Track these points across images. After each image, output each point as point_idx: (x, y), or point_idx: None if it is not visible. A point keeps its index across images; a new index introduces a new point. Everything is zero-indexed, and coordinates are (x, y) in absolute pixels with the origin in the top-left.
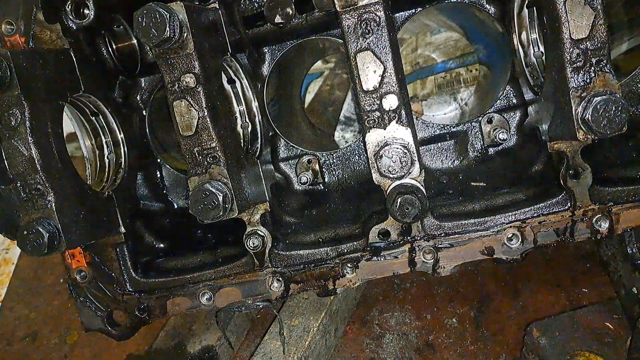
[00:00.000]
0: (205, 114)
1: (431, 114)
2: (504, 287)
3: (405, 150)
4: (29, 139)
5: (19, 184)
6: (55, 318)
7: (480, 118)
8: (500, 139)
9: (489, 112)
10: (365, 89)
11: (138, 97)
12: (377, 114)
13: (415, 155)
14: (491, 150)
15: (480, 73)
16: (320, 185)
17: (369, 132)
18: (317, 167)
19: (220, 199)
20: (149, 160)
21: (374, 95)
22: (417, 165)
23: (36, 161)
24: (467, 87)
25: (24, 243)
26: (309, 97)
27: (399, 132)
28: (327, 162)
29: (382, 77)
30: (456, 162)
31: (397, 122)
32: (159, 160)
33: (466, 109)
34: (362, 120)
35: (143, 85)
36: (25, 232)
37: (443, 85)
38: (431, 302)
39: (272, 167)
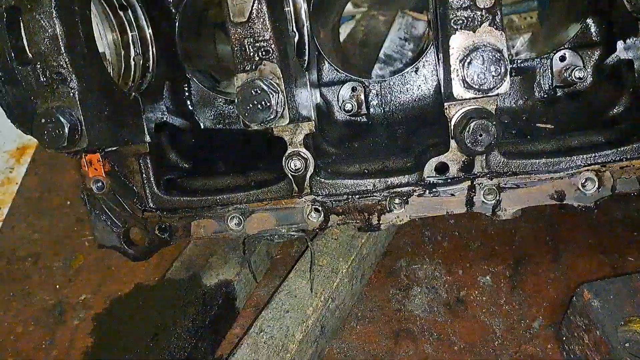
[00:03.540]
0: None
1: None
2: (543, 249)
3: (499, 58)
4: (54, 12)
5: (38, 66)
6: (59, 241)
7: (552, 55)
8: (576, 78)
9: (562, 49)
10: None
11: None
12: (468, 12)
13: (509, 65)
14: (560, 91)
15: (535, 20)
16: (364, 116)
17: (454, 34)
18: (362, 96)
19: (273, 99)
20: (176, 71)
21: None
22: (508, 77)
23: (60, 40)
24: (520, 34)
25: (41, 133)
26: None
27: (491, 37)
28: (374, 92)
29: None
30: (520, 101)
31: (490, 24)
32: (187, 74)
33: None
34: (446, 20)
35: None
36: (42, 120)
37: None
38: (464, 258)
39: (318, 90)
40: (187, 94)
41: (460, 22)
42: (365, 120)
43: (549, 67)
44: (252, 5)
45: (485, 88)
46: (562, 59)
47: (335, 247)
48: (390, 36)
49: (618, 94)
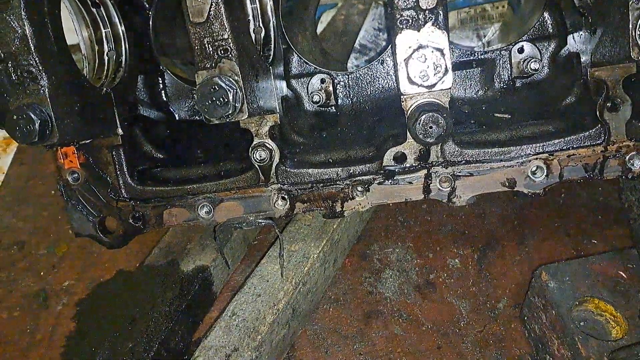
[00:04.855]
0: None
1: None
2: (510, 232)
3: (440, 56)
4: (23, 14)
5: (9, 65)
6: (44, 229)
7: (511, 47)
8: (531, 69)
9: (520, 41)
10: None
11: None
12: (412, 12)
13: (450, 63)
14: (518, 82)
15: (507, 10)
16: (332, 107)
17: (400, 33)
18: (330, 88)
19: (230, 95)
20: (150, 64)
21: None
22: (450, 74)
23: (30, 40)
24: (492, 24)
25: (12, 129)
26: (320, 27)
27: (434, 36)
28: (342, 83)
29: None
30: (480, 92)
31: (433, 24)
32: (162, 67)
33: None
34: (394, 20)
35: None
36: (14, 117)
37: (466, 20)
38: (434, 242)
39: (284, 82)
40: (161, 86)
41: (405, 22)
42: (334, 110)
43: (508, 59)
44: (210, 7)
45: (428, 84)
46: (521, 50)
47: (307, 233)
48: (365, 26)
49: (570, 85)
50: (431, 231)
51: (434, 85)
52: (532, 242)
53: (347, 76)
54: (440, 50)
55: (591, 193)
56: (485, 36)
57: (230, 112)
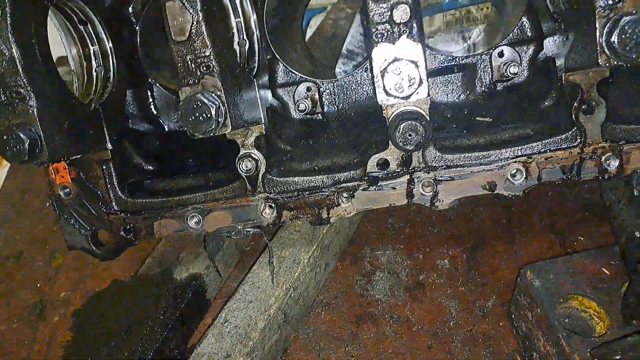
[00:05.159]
0: (200, 18)
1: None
2: (499, 231)
3: (415, 68)
4: (10, 37)
5: None
6: (40, 241)
7: (491, 51)
8: (511, 73)
9: (500, 45)
10: None
11: (130, 9)
12: (387, 26)
13: (425, 74)
14: (500, 86)
15: (491, 11)
16: (319, 115)
17: (376, 46)
18: (316, 96)
19: (213, 111)
20: (139, 78)
21: (383, 5)
22: (425, 85)
23: (17, 62)
24: (476, 25)
25: (2, 148)
26: (309, 32)
27: (409, 48)
28: (328, 91)
29: None
30: (462, 96)
31: (407, 37)
32: (150, 80)
33: (474, 49)
34: (370, 34)
35: None
36: (4, 137)
37: (452, 22)
38: (424, 243)
39: (270, 91)
40: (150, 99)
41: (381, 35)
42: (320, 118)
43: (489, 63)
44: (192, 25)
45: (403, 96)
46: (501, 54)
47: (297, 239)
48: (352, 31)
49: (548, 88)
50: (421, 232)
51: (409, 97)
52: (520, 241)
53: (332, 84)
54: (415, 63)
55: (577, 191)
56: (470, 38)
57: (213, 126)
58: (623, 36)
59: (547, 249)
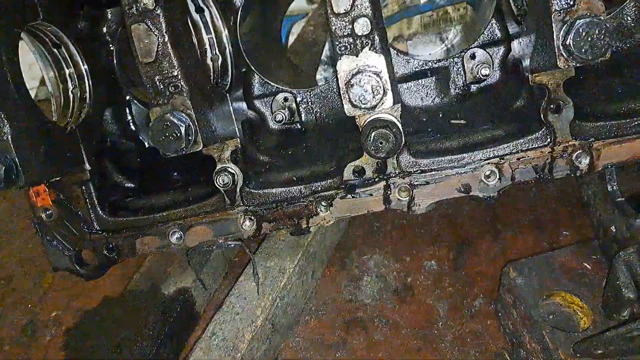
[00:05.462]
0: (166, 39)
1: (417, 54)
2: (483, 229)
3: (378, 79)
4: None
5: None
6: (29, 262)
7: (463, 53)
8: (482, 75)
9: (472, 47)
10: (336, 11)
11: (105, 29)
12: (349, 39)
13: (389, 84)
14: (473, 87)
15: (467, 11)
16: (297, 124)
17: (340, 59)
18: (293, 105)
19: (183, 130)
20: (117, 96)
21: (345, 18)
22: (390, 95)
23: None
24: (453, 26)
25: None
26: (291, 38)
27: (371, 60)
28: (305, 100)
29: None
30: (437, 99)
31: (370, 49)
32: (128, 98)
33: (452, 49)
34: (334, 47)
35: (110, 16)
36: None
37: (429, 24)
38: (410, 245)
39: (245, 104)
40: (129, 116)
41: (344, 48)
42: (299, 127)
43: (461, 65)
44: (158, 46)
45: (369, 107)
46: (473, 56)
47: (282, 248)
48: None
49: (519, 89)
50: (407, 234)
51: (374, 107)
52: (505, 238)
53: (309, 93)
54: (378, 74)
55: (559, 185)
56: (448, 38)
57: (184, 145)
58: (578, 39)
59: (532, 245)
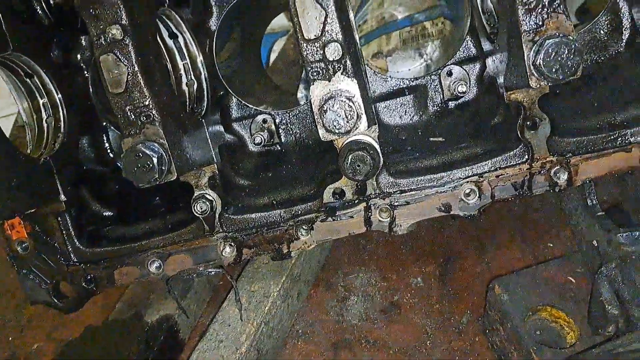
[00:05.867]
0: (136, 69)
1: (396, 70)
2: (469, 244)
3: (351, 104)
4: None
5: None
6: (10, 292)
7: (440, 71)
8: (459, 92)
9: (449, 65)
10: (306, 37)
11: (79, 57)
12: (321, 64)
13: (362, 108)
14: (451, 104)
15: (445, 27)
16: (277, 145)
17: (313, 84)
18: (273, 127)
19: (155, 160)
20: (93, 123)
21: (316, 44)
22: (364, 119)
23: None
24: (432, 41)
25: None
26: (273, 56)
27: (344, 84)
28: (284, 121)
29: (324, 24)
30: (415, 117)
31: (342, 74)
32: (105, 124)
33: (431, 64)
34: (306, 72)
35: (84, 43)
36: None
37: (408, 40)
38: (396, 262)
39: (222, 128)
40: (107, 143)
41: (316, 73)
42: (279, 149)
43: (439, 83)
44: (127, 77)
45: (343, 131)
46: (450, 73)
47: (266, 272)
48: None
49: (496, 106)
50: (393, 252)
51: (348, 132)
52: (490, 252)
53: (288, 114)
54: (350, 98)
55: (544, 197)
56: (427, 54)
57: (157, 176)
58: (548, 59)
59: (518, 259)
